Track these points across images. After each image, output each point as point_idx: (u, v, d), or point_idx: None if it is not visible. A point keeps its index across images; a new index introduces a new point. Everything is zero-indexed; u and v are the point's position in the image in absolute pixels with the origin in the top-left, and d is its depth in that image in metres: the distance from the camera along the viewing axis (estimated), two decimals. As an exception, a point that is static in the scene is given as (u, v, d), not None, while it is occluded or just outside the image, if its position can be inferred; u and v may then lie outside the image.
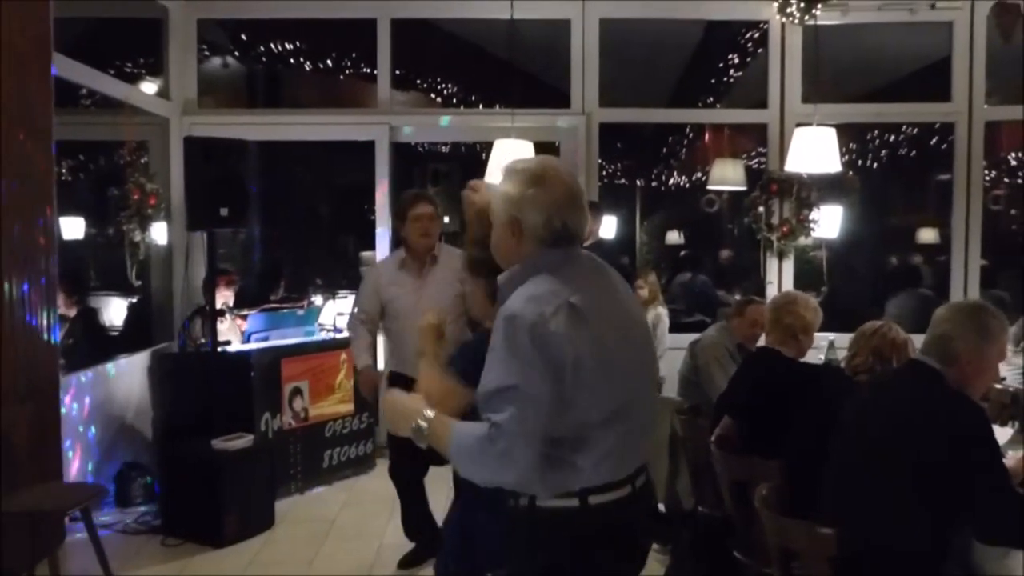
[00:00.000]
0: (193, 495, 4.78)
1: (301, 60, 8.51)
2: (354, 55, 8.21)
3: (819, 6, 6.08)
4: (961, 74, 6.63)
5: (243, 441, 4.86)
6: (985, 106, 6.71)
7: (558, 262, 1.99)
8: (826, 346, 4.98)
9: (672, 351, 5.94)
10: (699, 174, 9.93)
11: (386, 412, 2.11)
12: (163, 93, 6.49)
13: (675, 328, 6.57)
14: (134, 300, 6.58)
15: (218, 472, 4.74)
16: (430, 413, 1.96)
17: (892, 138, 9.84)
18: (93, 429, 5.18)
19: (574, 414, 1.88)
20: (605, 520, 1.94)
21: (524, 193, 2.00)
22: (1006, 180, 9.86)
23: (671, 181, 10.79)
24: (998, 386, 4.68)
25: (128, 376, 5.60)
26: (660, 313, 6.34)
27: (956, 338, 2.47)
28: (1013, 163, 9.93)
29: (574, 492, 1.92)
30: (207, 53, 7.55)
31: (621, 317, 2.04)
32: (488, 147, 6.10)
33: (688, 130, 10.12)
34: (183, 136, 5.74)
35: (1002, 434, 3.62)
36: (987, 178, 7.99)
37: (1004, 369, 5.91)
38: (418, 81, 8.67)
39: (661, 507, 4.55)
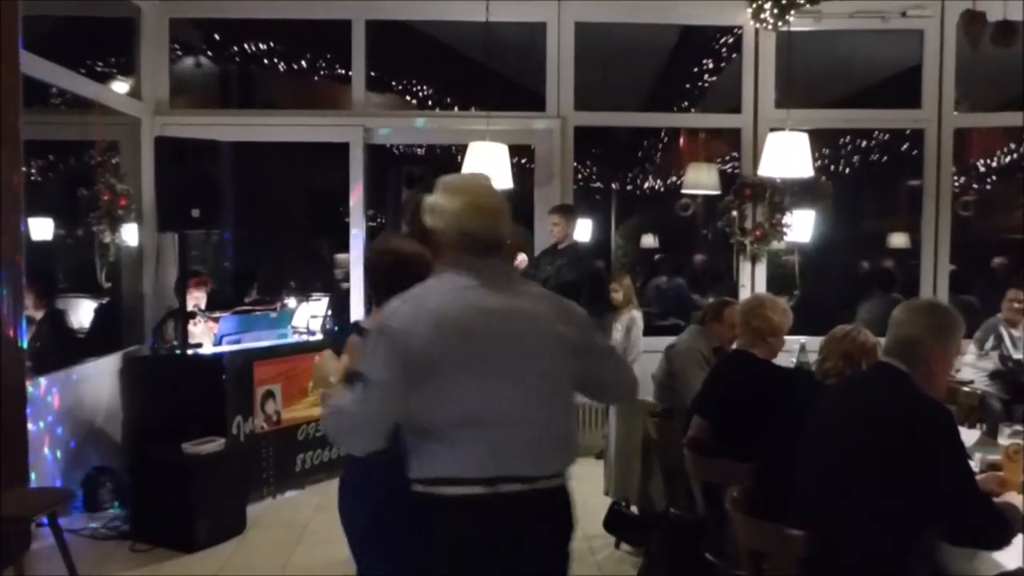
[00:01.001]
0: (163, 500, 4.72)
1: (275, 61, 8.46)
2: (329, 56, 8.17)
3: (792, 12, 6.14)
4: (931, 81, 6.73)
5: (214, 445, 4.82)
6: (955, 113, 6.81)
7: (451, 268, 2.16)
8: (797, 349, 5.01)
9: (647, 354, 5.96)
10: (674, 178, 9.98)
11: (314, 371, 2.44)
12: (135, 93, 6.42)
13: (650, 331, 6.59)
14: (104, 302, 6.50)
15: (189, 476, 4.69)
16: (334, 379, 2.23)
17: (864, 144, 9.95)
18: (61, 433, 5.10)
19: (437, 410, 2.05)
20: (452, 511, 2.07)
21: (434, 203, 2.19)
22: (975, 186, 10.00)
23: (646, 185, 10.83)
24: (966, 389, 4.76)
25: (97, 379, 5.53)
26: (634, 316, 6.35)
27: (922, 340, 2.50)
28: (982, 169, 10.08)
29: (427, 479, 2.09)
30: (180, 53, 7.48)
31: (500, 330, 2.11)
32: (463, 150, 6.10)
33: (663, 134, 10.17)
34: (155, 136, 5.68)
35: (969, 436, 3.67)
36: (956, 184, 8.10)
37: (971, 372, 6.01)
38: (393, 83, 8.65)
39: (634, 509, 4.58)
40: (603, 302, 6.47)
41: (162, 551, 4.63)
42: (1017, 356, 5.94)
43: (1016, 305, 6.02)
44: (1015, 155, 9.48)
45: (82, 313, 6.68)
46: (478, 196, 2.19)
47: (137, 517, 4.84)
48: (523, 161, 7.67)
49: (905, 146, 8.83)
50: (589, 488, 5.23)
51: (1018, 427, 3.04)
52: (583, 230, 7.72)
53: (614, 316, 6.39)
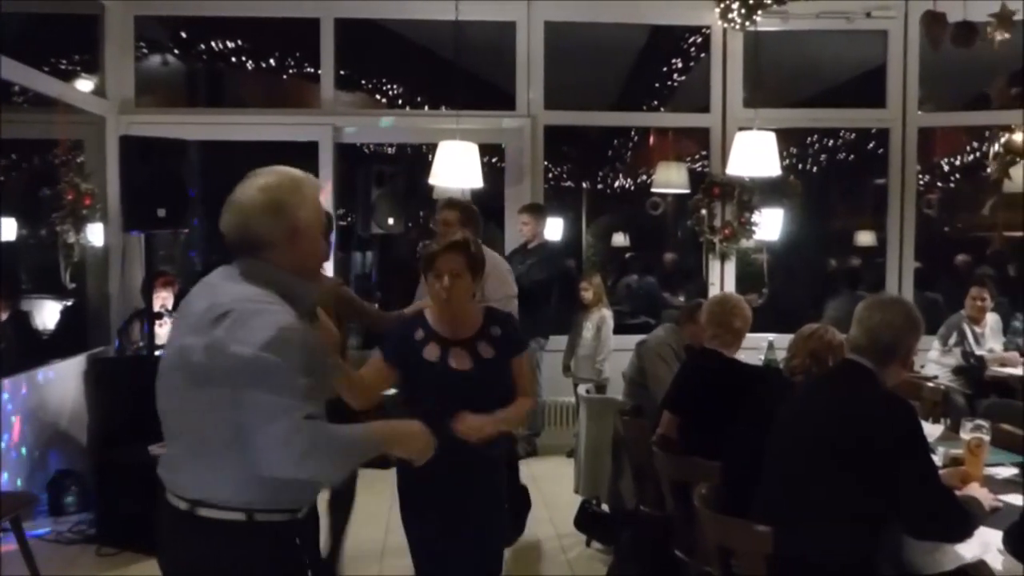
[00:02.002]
0: (130, 502, 4.64)
1: (243, 59, 8.37)
2: (298, 55, 8.11)
3: (759, 13, 6.19)
4: (895, 81, 6.82)
5: (181, 447, 4.75)
6: (919, 112, 6.90)
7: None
8: (766, 347, 5.06)
9: (617, 352, 6.00)
10: (644, 177, 10.02)
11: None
12: (99, 91, 6.33)
13: (620, 330, 6.63)
14: (68, 303, 6.40)
15: (156, 478, 4.62)
16: None
17: (831, 143, 10.05)
18: (25, 436, 5.02)
19: None
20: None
21: None
22: (939, 185, 10.15)
23: (616, 184, 10.86)
24: (930, 384, 4.83)
25: (62, 381, 5.45)
26: (604, 315, 6.40)
27: (891, 337, 2.53)
28: (946, 168, 10.23)
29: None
30: (145, 51, 7.38)
31: (172, 337, 2.09)
32: (434, 149, 6.09)
33: (633, 133, 10.20)
34: (119, 135, 5.61)
35: (933, 431, 3.73)
36: (921, 183, 8.22)
37: (935, 368, 6.10)
38: (363, 82, 8.60)
39: (605, 507, 4.60)
40: (573, 301, 6.51)
41: (129, 554, 4.57)
42: (980, 352, 6.04)
43: (979, 303, 6.12)
44: (978, 154, 9.62)
45: (47, 314, 6.58)
46: (234, 192, 2.10)
47: (103, 520, 4.77)
48: (493, 160, 7.66)
49: (871, 145, 8.92)
50: (560, 487, 5.25)
51: (979, 422, 3.09)
52: (554, 229, 7.73)
53: (584, 315, 6.43)
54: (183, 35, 8.03)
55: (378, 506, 4.33)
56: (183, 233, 6.27)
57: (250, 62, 8.42)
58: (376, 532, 4.60)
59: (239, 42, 8.25)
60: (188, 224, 5.66)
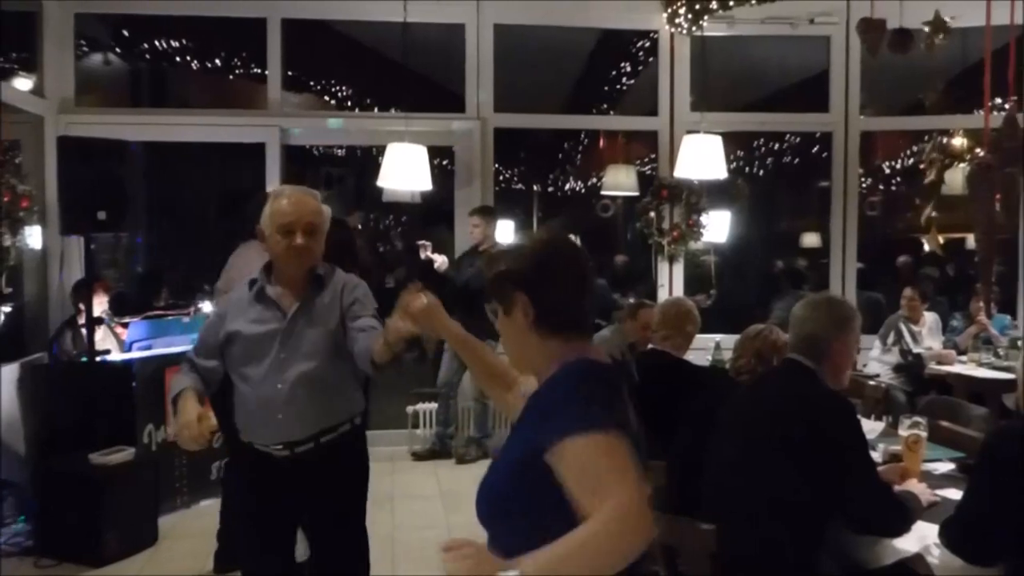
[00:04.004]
0: (69, 513, 4.54)
1: (188, 59, 8.23)
2: (244, 55, 8.00)
3: (706, 18, 6.28)
4: (838, 86, 6.95)
5: (123, 455, 4.66)
6: (861, 117, 7.05)
7: None
8: (713, 347, 5.11)
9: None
10: (594, 179, 10.08)
11: None
12: (37, 90, 6.17)
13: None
14: (5, 309, 6.21)
15: (96, 487, 4.52)
16: None
17: (777, 146, 10.23)
18: (-42, 446, 4.87)
19: None
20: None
21: None
22: (881, 187, 10.38)
23: (567, 186, 10.92)
24: (872, 383, 4.93)
25: (-3, 389, 5.28)
26: None
27: (824, 336, 2.58)
28: (887, 171, 10.47)
29: None
30: (86, 49, 7.21)
31: None
32: (383, 151, 6.05)
33: (583, 136, 10.27)
34: (57, 135, 5.46)
35: (874, 428, 3.80)
36: (863, 186, 8.41)
37: (876, 367, 6.24)
38: (311, 83, 8.52)
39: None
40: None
41: (69, 566, 4.45)
42: (917, 350, 6.20)
43: (912, 302, 6.29)
44: (917, 157, 9.87)
45: (-19, 320, 6.38)
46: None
47: (41, 532, 4.64)
48: (443, 162, 7.64)
49: (815, 148, 9.10)
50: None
51: (917, 418, 3.15)
52: (505, 231, 7.73)
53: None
54: (125, 33, 7.86)
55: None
56: (124, 236, 6.14)
57: (195, 62, 8.28)
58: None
59: (184, 41, 8.11)
60: (128, 227, 5.54)
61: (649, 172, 8.10)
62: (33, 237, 5.80)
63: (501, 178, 9.70)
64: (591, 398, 1.56)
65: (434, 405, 6.54)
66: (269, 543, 2.86)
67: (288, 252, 2.74)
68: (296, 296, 2.79)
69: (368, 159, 8.26)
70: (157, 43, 8.05)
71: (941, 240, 4.89)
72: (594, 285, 1.76)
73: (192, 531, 5.01)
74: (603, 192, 9.18)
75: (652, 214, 6.88)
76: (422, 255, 6.12)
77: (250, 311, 2.80)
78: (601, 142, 10.03)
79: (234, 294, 2.92)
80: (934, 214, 4.41)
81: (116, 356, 5.34)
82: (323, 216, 2.85)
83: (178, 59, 8.24)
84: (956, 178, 5.87)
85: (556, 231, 2.25)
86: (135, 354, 5.32)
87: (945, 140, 6.27)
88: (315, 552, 2.94)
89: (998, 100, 5.37)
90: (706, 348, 5.06)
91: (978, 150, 4.28)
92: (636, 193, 8.14)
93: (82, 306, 5.18)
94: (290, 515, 2.89)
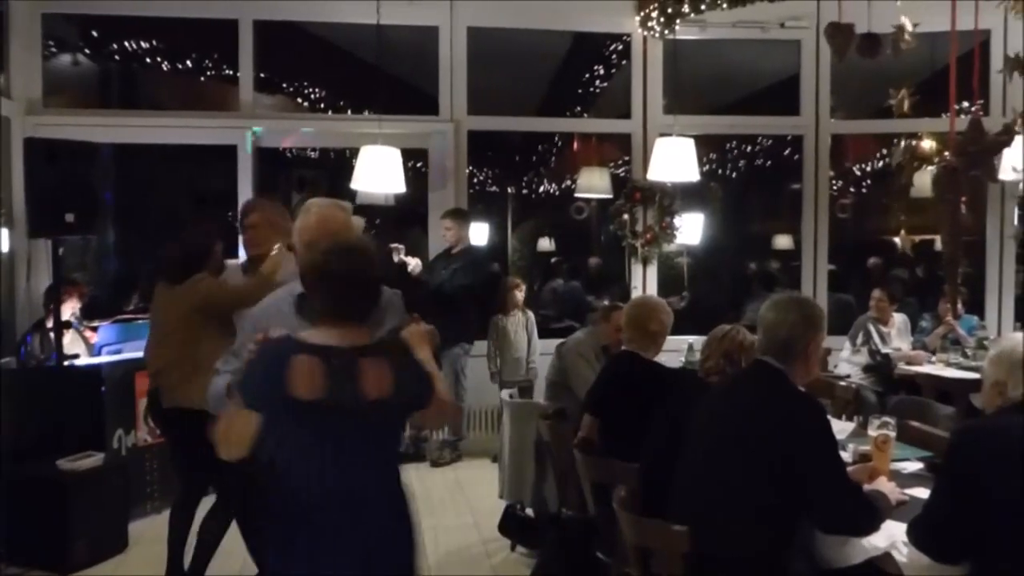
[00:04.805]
0: (37, 519, 4.47)
1: (159, 60, 8.14)
2: (216, 56, 7.93)
3: (678, 21, 6.32)
4: (809, 90, 7.02)
5: (93, 460, 4.60)
6: (832, 120, 7.13)
7: None
8: (685, 349, 5.15)
9: (543, 356, 6.03)
10: (568, 182, 10.10)
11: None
12: (4, 91, 6.08)
13: (546, 334, 6.68)
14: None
15: (65, 493, 4.46)
16: None
17: (749, 149, 10.30)
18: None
19: None
20: None
21: None
22: (852, 190, 10.48)
23: (541, 189, 10.94)
24: (843, 383, 4.98)
25: (-37, 394, 5.20)
26: (530, 316, 6.59)
27: (792, 336, 2.60)
28: (858, 174, 10.58)
29: None
30: (54, 50, 7.12)
31: None
32: (357, 153, 6.02)
33: (557, 139, 10.29)
34: (24, 137, 5.40)
35: (844, 428, 3.84)
36: (834, 188, 8.49)
37: (847, 367, 6.31)
38: (284, 85, 8.46)
39: (529, 511, 4.61)
40: (498, 304, 6.57)
41: (37, 573, 4.40)
42: (886, 350, 6.27)
43: (881, 303, 6.37)
44: (887, 160, 9.99)
45: (-53, 324, 6.27)
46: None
47: (8, 538, 4.55)
48: (418, 165, 7.62)
49: (787, 151, 9.17)
50: (485, 491, 5.24)
51: (886, 418, 3.18)
52: (479, 234, 7.74)
53: (510, 317, 6.47)
54: (94, 34, 7.75)
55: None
56: (93, 239, 6.07)
57: (166, 63, 8.19)
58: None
59: (154, 42, 8.02)
60: (97, 229, 5.47)
61: (623, 174, 8.13)
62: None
63: (475, 180, 9.69)
64: None
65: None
66: None
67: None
68: None
69: (341, 161, 8.22)
70: (127, 44, 7.96)
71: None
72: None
73: (163, 537, 4.92)
74: (577, 194, 9.20)
75: (626, 216, 6.91)
76: (395, 258, 6.10)
77: (292, 324, 2.48)
78: (575, 144, 10.06)
79: (270, 303, 2.69)
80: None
81: (85, 360, 5.27)
82: (353, 232, 2.78)
83: (148, 60, 8.15)
84: (926, 181, 5.96)
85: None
86: (104, 358, 5.26)
87: (914, 143, 6.36)
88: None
89: (965, 104, 5.46)
90: (679, 350, 5.10)
91: (947, 154, 4.33)
92: (610, 195, 8.17)
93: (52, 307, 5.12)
94: None
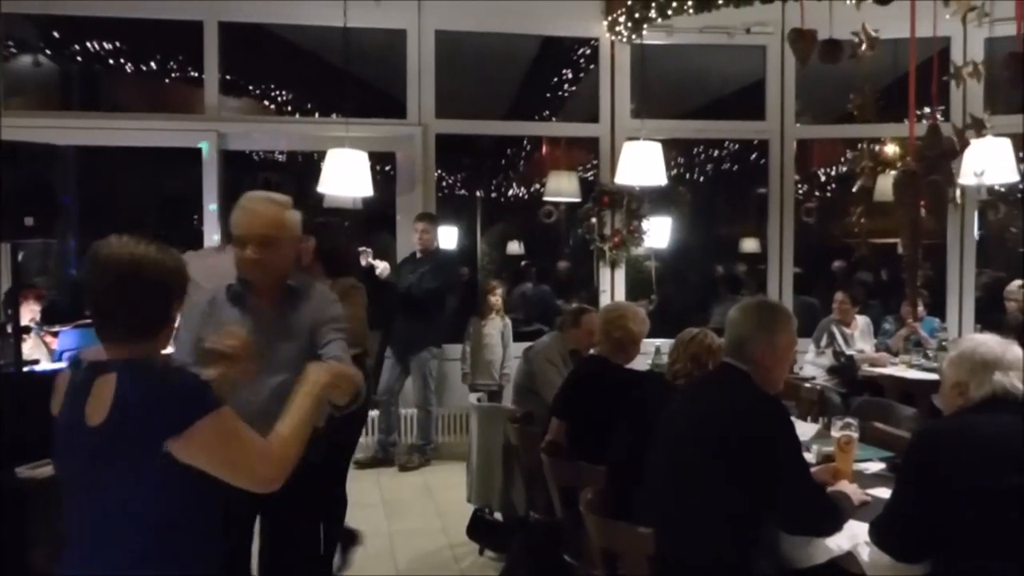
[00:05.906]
0: (-5, 529, 4.38)
1: (122, 61, 8.03)
2: (180, 58, 7.84)
3: (646, 26, 6.35)
4: (774, 94, 7.10)
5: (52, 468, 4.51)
6: (797, 124, 7.21)
7: None
8: (653, 352, 5.17)
9: (516, 360, 6.03)
10: (537, 186, 10.12)
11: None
12: (-39, 92, 5.97)
13: (515, 337, 6.67)
14: (-73, 318, 5.98)
15: (24, 502, 4.36)
16: None
17: (716, 153, 10.38)
18: None
19: None
20: None
21: None
22: (817, 194, 10.61)
23: (510, 192, 10.95)
24: (807, 385, 5.04)
25: (-81, 402, 5.07)
26: (507, 321, 6.61)
27: (748, 340, 2.63)
28: (823, 178, 10.71)
29: None
30: (14, 51, 7.01)
31: None
32: (324, 156, 5.99)
33: (525, 142, 10.30)
34: (-18, 139, 5.28)
35: (809, 429, 3.88)
36: (800, 192, 8.58)
37: (811, 369, 6.37)
38: (250, 87, 8.39)
39: (497, 515, 4.60)
40: (469, 309, 6.57)
41: (-6, 584, 4.30)
42: (849, 352, 6.35)
43: (844, 306, 6.45)
44: (851, 164, 10.10)
45: (-98, 331, 6.12)
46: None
47: (-35, 549, 4.47)
48: (386, 168, 7.59)
49: (754, 156, 9.25)
50: (453, 495, 5.23)
51: (848, 420, 3.22)
52: (448, 237, 7.73)
53: (486, 321, 6.48)
54: (55, 35, 7.64)
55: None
56: (54, 243, 5.97)
57: (129, 64, 8.08)
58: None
59: (117, 43, 7.92)
60: (58, 233, 5.38)
61: (591, 178, 8.16)
62: (-43, 244, 5.61)
63: (444, 184, 9.68)
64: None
65: (376, 412, 6.49)
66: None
67: (241, 264, 2.67)
68: (270, 307, 2.71)
69: (308, 164, 8.16)
70: (89, 45, 7.85)
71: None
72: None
73: (126, 545, 4.88)
74: (545, 198, 9.21)
75: (594, 220, 6.94)
76: (363, 262, 6.07)
77: (223, 319, 2.64)
78: (543, 148, 10.08)
79: (201, 299, 2.73)
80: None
81: (46, 366, 5.17)
82: (283, 227, 2.70)
83: (111, 61, 8.03)
84: (888, 185, 6.04)
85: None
86: (65, 364, 5.16)
87: (877, 148, 6.45)
88: (270, 547, 2.91)
89: (927, 109, 5.55)
90: (647, 352, 5.12)
91: (909, 158, 4.39)
92: (578, 199, 8.19)
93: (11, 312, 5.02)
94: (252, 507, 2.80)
